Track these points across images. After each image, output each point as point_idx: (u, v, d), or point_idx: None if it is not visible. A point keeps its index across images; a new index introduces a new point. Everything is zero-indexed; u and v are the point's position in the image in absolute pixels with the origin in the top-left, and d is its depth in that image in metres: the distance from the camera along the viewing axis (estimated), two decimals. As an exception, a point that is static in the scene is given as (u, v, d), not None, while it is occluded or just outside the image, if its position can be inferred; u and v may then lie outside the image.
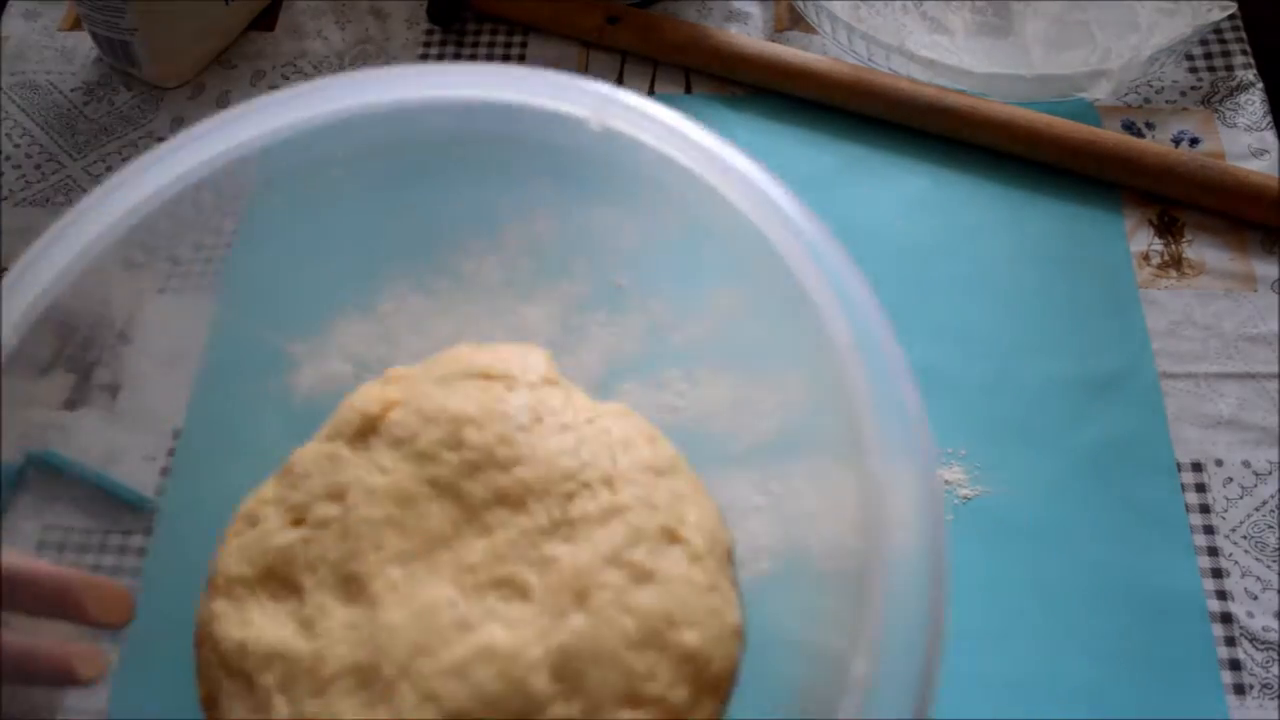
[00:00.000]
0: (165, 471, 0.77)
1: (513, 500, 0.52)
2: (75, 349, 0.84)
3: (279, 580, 0.54)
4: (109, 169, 0.92)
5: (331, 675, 0.49)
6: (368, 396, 0.58)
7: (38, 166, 0.93)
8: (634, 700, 0.46)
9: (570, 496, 0.52)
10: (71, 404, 0.81)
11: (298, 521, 0.56)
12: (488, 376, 0.57)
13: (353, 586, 0.52)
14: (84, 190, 0.91)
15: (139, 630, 0.72)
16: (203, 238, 0.88)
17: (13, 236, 0.89)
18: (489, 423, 0.54)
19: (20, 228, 0.89)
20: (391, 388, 0.59)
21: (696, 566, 0.51)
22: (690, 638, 0.48)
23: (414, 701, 0.46)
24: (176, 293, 0.86)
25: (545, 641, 0.47)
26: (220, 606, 0.55)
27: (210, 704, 0.54)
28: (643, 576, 0.50)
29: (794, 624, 0.57)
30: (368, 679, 0.48)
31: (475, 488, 0.52)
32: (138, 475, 0.78)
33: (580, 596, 0.48)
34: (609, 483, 0.53)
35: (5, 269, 0.88)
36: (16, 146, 0.94)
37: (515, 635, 0.47)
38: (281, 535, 0.56)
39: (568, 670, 0.46)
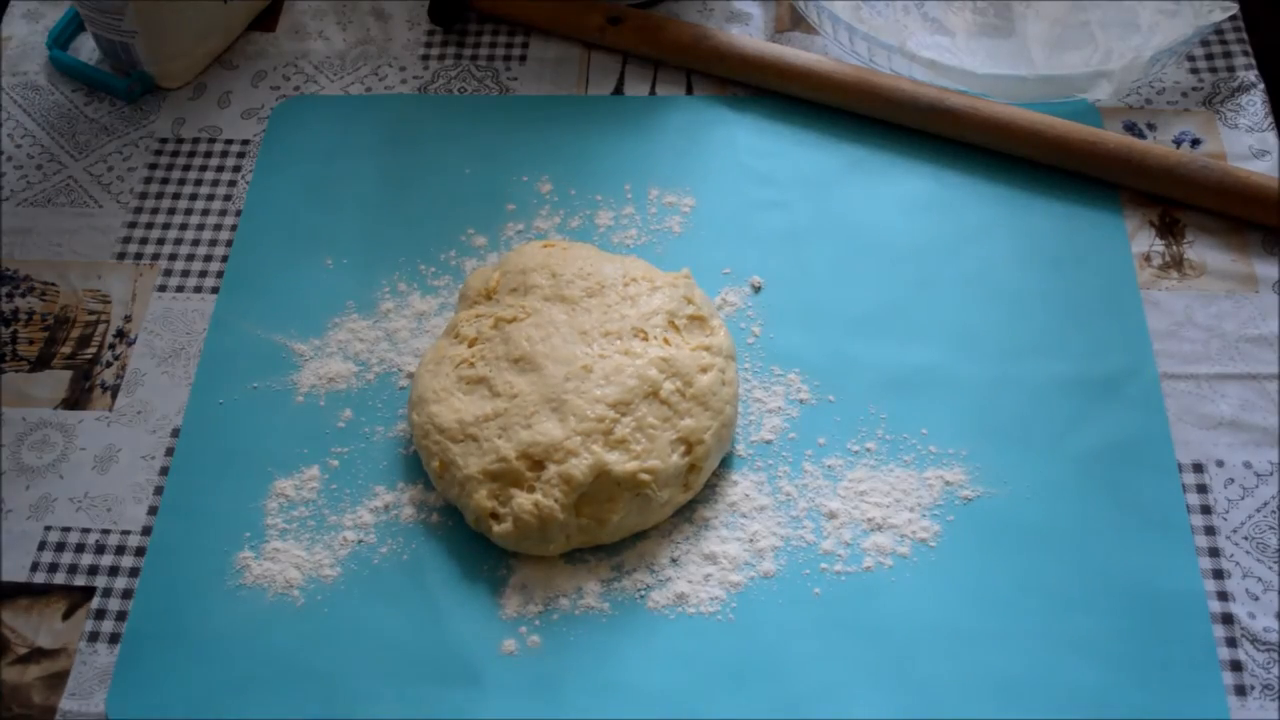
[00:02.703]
0: (164, 471, 0.77)
1: (594, 290, 0.78)
2: (74, 348, 0.84)
3: (467, 381, 0.76)
4: (110, 169, 0.92)
5: (531, 411, 0.73)
6: (482, 275, 0.82)
7: (39, 167, 0.93)
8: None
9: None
10: (71, 404, 0.81)
11: (471, 343, 0.78)
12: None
13: (521, 364, 0.75)
14: (85, 190, 0.91)
15: (138, 630, 0.72)
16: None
17: (14, 236, 0.89)
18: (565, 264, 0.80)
19: (22, 228, 0.89)
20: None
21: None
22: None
23: (589, 402, 0.73)
24: (176, 292, 0.86)
25: (648, 354, 0.75)
26: (432, 408, 0.75)
27: (444, 470, 0.73)
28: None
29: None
30: (555, 407, 0.73)
31: (573, 291, 0.78)
32: (137, 475, 0.78)
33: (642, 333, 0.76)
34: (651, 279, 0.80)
35: (5, 269, 0.88)
36: (18, 147, 0.94)
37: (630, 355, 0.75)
38: (462, 350, 0.78)
39: (664, 365, 0.74)
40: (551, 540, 0.71)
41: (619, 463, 0.71)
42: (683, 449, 0.72)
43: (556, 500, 0.70)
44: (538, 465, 0.72)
